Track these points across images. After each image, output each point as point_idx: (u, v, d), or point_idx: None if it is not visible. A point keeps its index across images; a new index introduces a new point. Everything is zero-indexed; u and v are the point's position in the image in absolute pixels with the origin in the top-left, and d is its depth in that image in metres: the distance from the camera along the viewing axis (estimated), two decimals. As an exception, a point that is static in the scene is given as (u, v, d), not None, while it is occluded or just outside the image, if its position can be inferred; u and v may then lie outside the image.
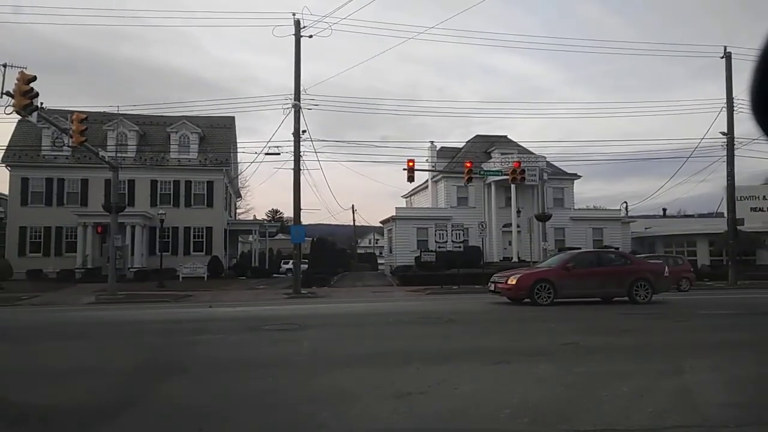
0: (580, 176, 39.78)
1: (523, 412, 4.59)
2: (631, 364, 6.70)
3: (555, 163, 37.27)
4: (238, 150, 39.94)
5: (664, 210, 54.67)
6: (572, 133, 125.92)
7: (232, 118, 39.08)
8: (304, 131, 23.71)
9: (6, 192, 34.44)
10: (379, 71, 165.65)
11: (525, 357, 7.16)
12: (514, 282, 14.99)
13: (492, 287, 16.13)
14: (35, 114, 16.12)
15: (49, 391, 5.72)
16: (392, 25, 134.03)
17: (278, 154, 25.03)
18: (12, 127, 33.49)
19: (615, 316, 12.46)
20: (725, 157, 27.32)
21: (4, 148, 32.59)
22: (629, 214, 44.00)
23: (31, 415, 4.89)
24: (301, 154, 23.59)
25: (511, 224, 35.63)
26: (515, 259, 34.10)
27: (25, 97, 15.05)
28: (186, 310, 16.04)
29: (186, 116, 35.52)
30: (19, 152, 32.99)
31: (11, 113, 15.54)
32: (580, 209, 40.54)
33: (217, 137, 36.99)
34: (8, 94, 15.09)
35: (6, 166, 32.78)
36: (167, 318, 13.39)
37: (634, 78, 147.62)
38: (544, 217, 25.48)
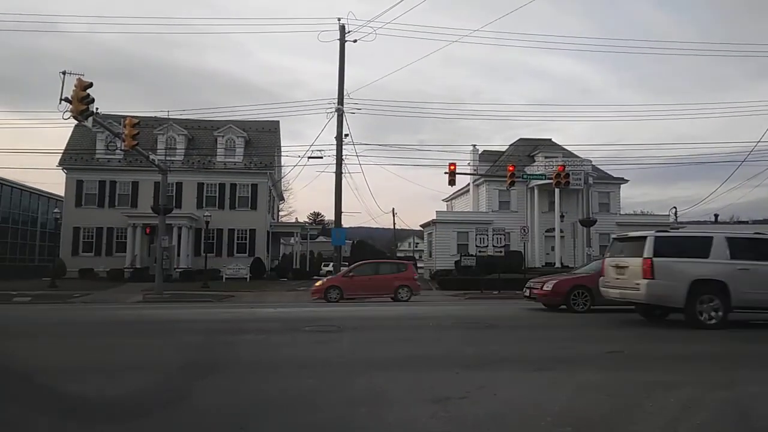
0: (627, 180, 38.78)
1: (564, 420, 4.49)
2: (679, 374, 6.47)
3: (601, 167, 36.44)
4: (282, 154, 40.66)
5: (716, 216, 52.53)
6: (621, 136, 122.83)
7: (277, 123, 39.78)
8: (346, 135, 24.00)
9: (62, 193, 35.97)
10: (423, 74, 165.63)
11: (567, 364, 7.01)
12: (550, 288, 14.83)
13: (527, 293, 15.95)
14: (90, 119, 16.79)
15: (97, 385, 5.94)
16: (436, 29, 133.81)
17: (321, 158, 25.42)
18: (69, 131, 35.03)
19: (659, 324, 12.07)
20: (783, 162, 26.16)
21: (62, 151, 34.11)
22: (678, 219, 42.57)
23: (81, 407, 5.09)
24: (343, 157, 23.86)
25: (554, 229, 34.99)
26: (558, 265, 33.46)
27: (81, 103, 15.72)
28: (228, 310, 16.39)
29: (232, 120, 36.37)
30: (75, 156, 34.45)
31: (69, 118, 16.23)
32: (626, 214, 39.47)
33: (262, 141, 37.72)
34: (67, 100, 15.78)
35: (63, 169, 34.26)
36: (211, 318, 13.72)
37: (689, 79, 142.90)
38: (588, 223, 24.92)
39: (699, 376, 6.30)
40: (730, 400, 5.24)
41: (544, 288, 14.97)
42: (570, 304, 14.36)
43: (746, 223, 53.52)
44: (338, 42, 24.15)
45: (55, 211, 32.76)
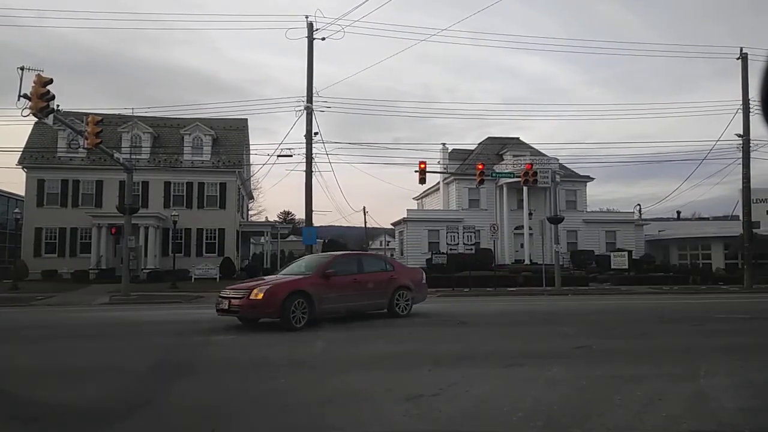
0: (593, 178, 39.58)
1: (535, 415, 4.57)
2: (644, 368, 6.64)
3: (568, 165, 37.09)
4: (251, 152, 40.20)
5: (678, 213, 54.05)
6: (588, 134, 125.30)
7: (245, 120, 39.32)
8: (316, 133, 23.85)
9: (22, 193, 34.87)
10: (395, 72, 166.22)
11: (537, 360, 7.12)
12: (261, 296, 10.43)
13: (224, 305, 10.90)
14: (51, 116, 16.29)
15: (63, 391, 5.78)
16: (407, 27, 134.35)
17: (290, 155, 25.23)
18: (29, 129, 33.95)
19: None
20: (741, 159, 27.05)
21: (21, 150, 33.06)
22: (643, 216, 43.60)
23: (46, 414, 4.95)
24: (313, 156, 23.70)
25: (523, 226, 35.49)
26: (527, 262, 33.96)
27: (41, 100, 15.23)
28: (198, 311, 16.13)
29: (199, 118, 35.79)
30: (36, 154, 33.41)
31: (28, 115, 15.72)
32: (592, 212, 40.27)
33: (230, 139, 37.25)
34: (25, 96, 15.27)
35: (23, 168, 33.20)
36: (180, 319, 13.49)
37: (654, 79, 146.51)
38: (556, 220, 25.33)
39: (664, 370, 6.47)
40: (694, 392, 5.40)
41: (253, 296, 10.45)
42: (288, 317, 10.36)
43: (707, 219, 55.27)
44: (306, 40, 23.98)
45: (16, 211, 31.73)
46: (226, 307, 10.89)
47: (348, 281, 11.83)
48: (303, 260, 13.78)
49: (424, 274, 14.33)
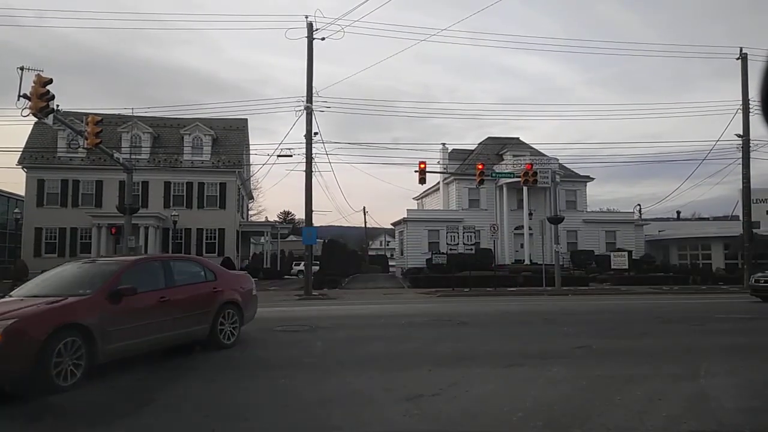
0: (593, 179, 39.54)
1: (535, 415, 4.57)
2: (645, 368, 6.64)
3: (568, 165, 37.08)
4: (251, 152, 40.21)
5: (678, 213, 54.04)
6: (588, 134, 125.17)
7: (245, 120, 39.32)
8: (316, 133, 23.82)
9: (22, 193, 34.87)
10: (395, 72, 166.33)
11: (537, 360, 7.12)
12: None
13: None
14: (51, 116, 16.28)
15: (63, 390, 5.77)
16: (407, 27, 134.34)
17: (290, 155, 25.18)
18: (29, 129, 33.95)
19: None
20: (741, 159, 27.05)
21: (21, 150, 33.06)
22: (643, 216, 43.58)
23: (49, 413, 4.95)
24: (313, 156, 23.68)
25: (523, 226, 35.46)
26: (527, 262, 33.96)
27: (41, 100, 15.21)
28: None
29: (199, 118, 35.80)
30: (36, 154, 33.41)
31: (28, 115, 15.70)
32: (592, 212, 40.23)
33: (229, 139, 37.26)
34: (25, 96, 15.25)
35: (22, 168, 33.20)
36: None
37: (654, 79, 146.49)
38: (556, 220, 25.31)
39: (664, 370, 6.47)
40: (694, 392, 5.40)
41: None
42: (48, 372, 5.60)
43: (707, 219, 55.31)
44: (306, 40, 23.97)
45: (16, 211, 31.78)
46: None
47: (151, 302, 7.44)
48: (71, 268, 8.08)
49: (253, 281, 10.43)
